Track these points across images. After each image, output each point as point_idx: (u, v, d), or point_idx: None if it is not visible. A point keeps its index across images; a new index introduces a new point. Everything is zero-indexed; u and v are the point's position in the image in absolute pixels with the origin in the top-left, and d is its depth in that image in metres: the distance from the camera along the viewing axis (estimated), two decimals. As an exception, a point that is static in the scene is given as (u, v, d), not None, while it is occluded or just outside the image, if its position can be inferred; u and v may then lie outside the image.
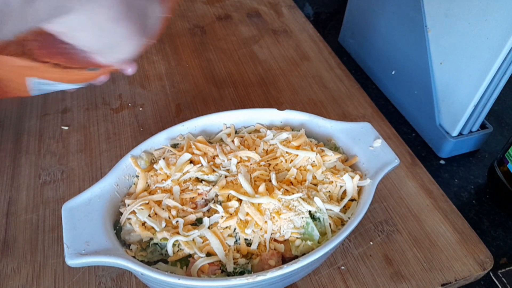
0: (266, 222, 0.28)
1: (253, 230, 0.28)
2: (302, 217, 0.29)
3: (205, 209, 0.29)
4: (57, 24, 0.19)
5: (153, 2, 0.23)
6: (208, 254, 0.27)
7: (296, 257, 0.27)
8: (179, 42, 0.54)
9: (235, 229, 0.28)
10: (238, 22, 0.58)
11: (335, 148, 0.34)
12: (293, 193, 0.29)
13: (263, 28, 0.57)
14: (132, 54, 0.23)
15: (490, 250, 0.34)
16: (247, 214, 0.28)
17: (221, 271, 0.27)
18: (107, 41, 0.21)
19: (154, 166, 0.31)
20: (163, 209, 0.29)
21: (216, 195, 0.30)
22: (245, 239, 0.28)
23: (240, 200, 0.29)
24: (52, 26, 0.19)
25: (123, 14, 0.20)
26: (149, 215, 0.28)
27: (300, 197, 0.29)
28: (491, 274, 0.34)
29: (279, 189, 0.29)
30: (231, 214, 0.28)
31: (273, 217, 0.28)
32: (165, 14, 0.24)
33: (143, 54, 0.51)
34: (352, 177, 0.31)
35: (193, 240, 0.28)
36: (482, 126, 0.43)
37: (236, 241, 0.28)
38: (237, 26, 0.57)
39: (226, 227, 0.28)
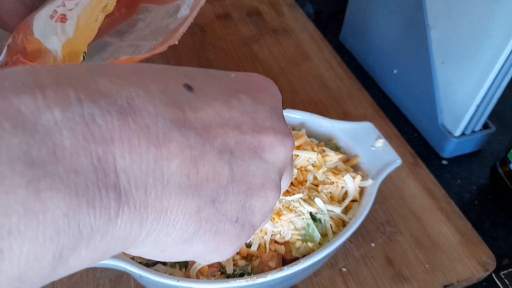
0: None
1: (253, 232, 0.28)
2: (303, 218, 0.28)
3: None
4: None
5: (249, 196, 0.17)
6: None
7: (296, 259, 0.27)
8: (179, 42, 0.54)
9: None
10: (238, 22, 0.58)
11: (336, 148, 0.34)
12: (293, 194, 0.29)
13: (263, 27, 0.57)
14: (228, 256, 0.18)
15: (492, 251, 0.34)
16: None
17: (221, 273, 0.27)
18: (182, 258, 0.17)
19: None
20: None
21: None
22: (245, 241, 0.28)
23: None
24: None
25: (196, 234, 0.15)
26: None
27: (301, 198, 0.29)
28: (493, 275, 0.34)
29: (279, 190, 0.29)
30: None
31: (273, 218, 0.28)
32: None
33: (142, 53, 0.51)
34: (354, 178, 0.30)
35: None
36: (485, 126, 0.42)
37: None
38: (237, 26, 0.57)
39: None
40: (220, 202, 0.15)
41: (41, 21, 0.27)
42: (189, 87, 0.15)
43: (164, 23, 0.32)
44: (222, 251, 0.17)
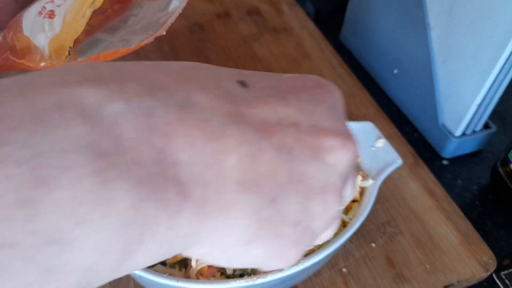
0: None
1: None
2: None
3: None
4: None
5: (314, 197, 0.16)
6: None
7: (297, 259, 0.27)
8: (177, 41, 0.54)
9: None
10: (237, 20, 0.57)
11: (337, 148, 0.34)
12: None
13: (263, 26, 0.57)
14: (291, 263, 0.17)
15: (493, 251, 0.34)
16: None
17: (220, 273, 0.27)
18: (244, 263, 0.16)
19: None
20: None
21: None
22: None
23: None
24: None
25: (256, 235, 0.15)
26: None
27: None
28: (493, 275, 0.34)
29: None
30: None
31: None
32: None
33: (140, 52, 0.50)
34: (354, 178, 0.30)
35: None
36: (485, 126, 0.42)
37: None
38: (237, 24, 0.57)
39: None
40: (279, 203, 0.15)
41: (30, 18, 0.27)
42: (243, 83, 0.15)
43: (156, 17, 0.32)
44: (284, 256, 0.16)
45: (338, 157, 0.16)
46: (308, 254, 0.27)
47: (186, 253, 0.15)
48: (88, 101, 0.11)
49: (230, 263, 0.16)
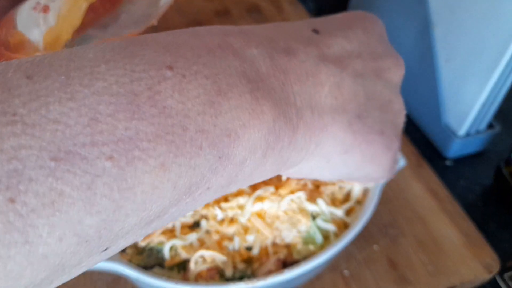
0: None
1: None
2: (305, 219, 0.28)
3: (203, 211, 0.28)
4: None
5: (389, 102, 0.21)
6: (207, 259, 0.26)
7: (297, 262, 0.27)
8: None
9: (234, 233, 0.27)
10: (237, 18, 0.57)
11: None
12: (293, 193, 0.28)
13: (263, 24, 0.56)
14: (389, 171, 0.22)
15: (496, 252, 0.33)
16: (249, 220, 0.27)
17: (220, 276, 0.26)
18: (346, 171, 0.20)
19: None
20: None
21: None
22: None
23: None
24: None
25: (352, 145, 0.19)
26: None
27: (303, 197, 0.28)
28: (496, 277, 0.34)
29: (280, 191, 0.28)
30: (231, 219, 0.28)
31: (274, 219, 0.27)
32: None
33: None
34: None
35: (190, 244, 0.27)
36: (489, 126, 0.42)
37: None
38: (237, 22, 0.56)
39: (225, 233, 0.27)
40: (364, 117, 0.19)
41: (24, 13, 0.28)
42: (316, 31, 0.19)
43: (148, 12, 0.33)
44: (378, 160, 0.20)
45: (394, 73, 0.21)
46: (309, 257, 0.26)
47: (297, 172, 0.19)
48: (236, 45, 0.15)
49: (333, 173, 0.20)
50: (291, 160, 0.17)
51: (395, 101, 0.21)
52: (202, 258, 0.26)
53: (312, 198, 0.29)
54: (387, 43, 0.22)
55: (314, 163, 0.19)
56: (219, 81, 0.14)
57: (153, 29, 0.32)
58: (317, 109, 0.17)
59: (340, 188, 0.30)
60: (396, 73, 0.21)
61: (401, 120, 0.21)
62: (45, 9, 0.27)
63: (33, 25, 0.27)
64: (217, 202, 0.29)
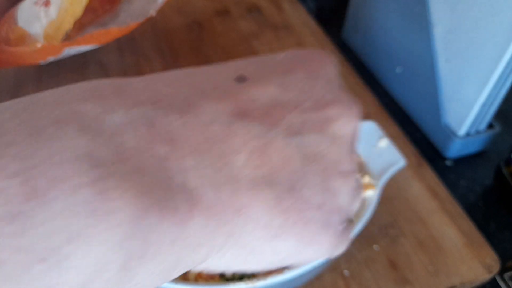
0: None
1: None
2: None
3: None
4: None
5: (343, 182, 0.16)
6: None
7: (298, 262, 0.27)
8: (176, 39, 0.53)
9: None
10: (237, 18, 0.57)
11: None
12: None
13: (263, 23, 0.56)
14: (333, 250, 0.16)
15: (496, 253, 0.33)
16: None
17: (220, 276, 0.26)
18: (276, 261, 0.15)
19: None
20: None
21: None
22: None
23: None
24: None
25: (283, 226, 0.14)
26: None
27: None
28: (496, 277, 0.34)
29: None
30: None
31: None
32: None
33: (137, 39, 0.50)
34: (362, 177, 0.30)
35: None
36: (490, 126, 0.42)
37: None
38: (237, 22, 0.56)
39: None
40: (299, 189, 0.14)
41: (25, 9, 0.28)
42: (241, 79, 0.15)
43: (146, 8, 0.33)
44: (317, 242, 0.15)
45: (345, 125, 0.16)
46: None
47: (206, 268, 0.14)
48: (88, 114, 0.11)
49: (261, 265, 0.15)
50: (185, 261, 0.13)
51: (343, 161, 0.16)
52: (202, 258, 0.26)
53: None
54: (339, 88, 0.17)
55: (230, 257, 0.14)
56: (36, 177, 0.10)
57: (151, 21, 0.33)
58: (228, 186, 0.13)
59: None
60: (347, 124, 0.16)
61: (349, 186, 0.16)
62: (46, 2, 0.27)
63: (34, 19, 0.28)
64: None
